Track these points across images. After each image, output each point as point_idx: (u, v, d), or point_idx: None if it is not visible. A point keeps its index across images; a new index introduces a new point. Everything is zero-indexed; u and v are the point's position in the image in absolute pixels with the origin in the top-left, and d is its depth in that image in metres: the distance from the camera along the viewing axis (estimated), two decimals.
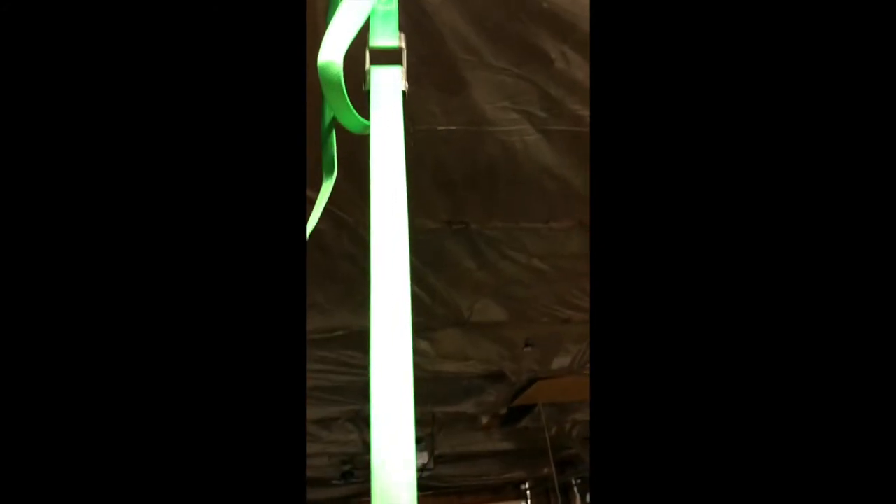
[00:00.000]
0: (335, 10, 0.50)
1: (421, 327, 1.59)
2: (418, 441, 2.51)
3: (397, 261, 0.35)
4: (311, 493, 3.26)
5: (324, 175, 0.49)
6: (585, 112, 0.92)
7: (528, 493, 4.23)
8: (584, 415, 2.73)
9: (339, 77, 0.43)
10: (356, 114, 0.45)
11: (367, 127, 0.43)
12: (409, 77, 0.49)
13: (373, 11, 0.50)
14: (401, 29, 0.51)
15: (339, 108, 0.45)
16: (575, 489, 3.87)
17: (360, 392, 1.99)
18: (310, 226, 0.43)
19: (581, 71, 0.84)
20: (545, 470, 3.19)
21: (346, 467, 2.98)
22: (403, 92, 0.46)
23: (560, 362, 1.97)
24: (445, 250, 1.30)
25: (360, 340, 1.63)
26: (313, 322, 1.51)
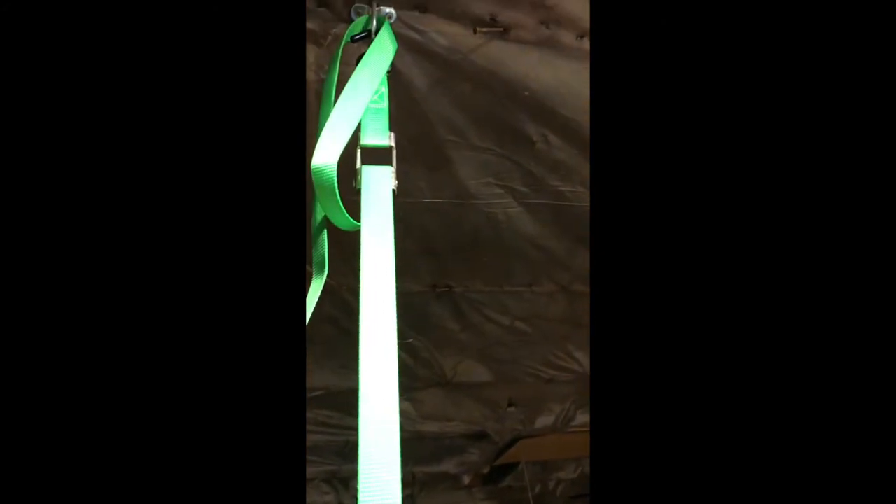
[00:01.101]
0: (328, 111, 0.52)
1: (403, 388, 1.56)
2: None
3: (388, 370, 0.35)
4: None
5: (314, 273, 0.50)
6: (566, 188, 0.95)
7: None
8: (567, 473, 2.67)
9: (333, 181, 0.44)
10: (347, 215, 0.47)
11: (358, 226, 0.44)
12: (398, 157, 0.50)
13: (365, 108, 0.51)
14: (391, 128, 0.53)
15: (331, 209, 0.46)
16: None
17: (337, 452, 1.92)
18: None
19: (562, 152, 0.88)
20: None
21: None
22: (393, 191, 0.48)
23: (543, 421, 1.95)
24: (429, 313, 1.30)
25: (337, 400, 1.59)
26: None
